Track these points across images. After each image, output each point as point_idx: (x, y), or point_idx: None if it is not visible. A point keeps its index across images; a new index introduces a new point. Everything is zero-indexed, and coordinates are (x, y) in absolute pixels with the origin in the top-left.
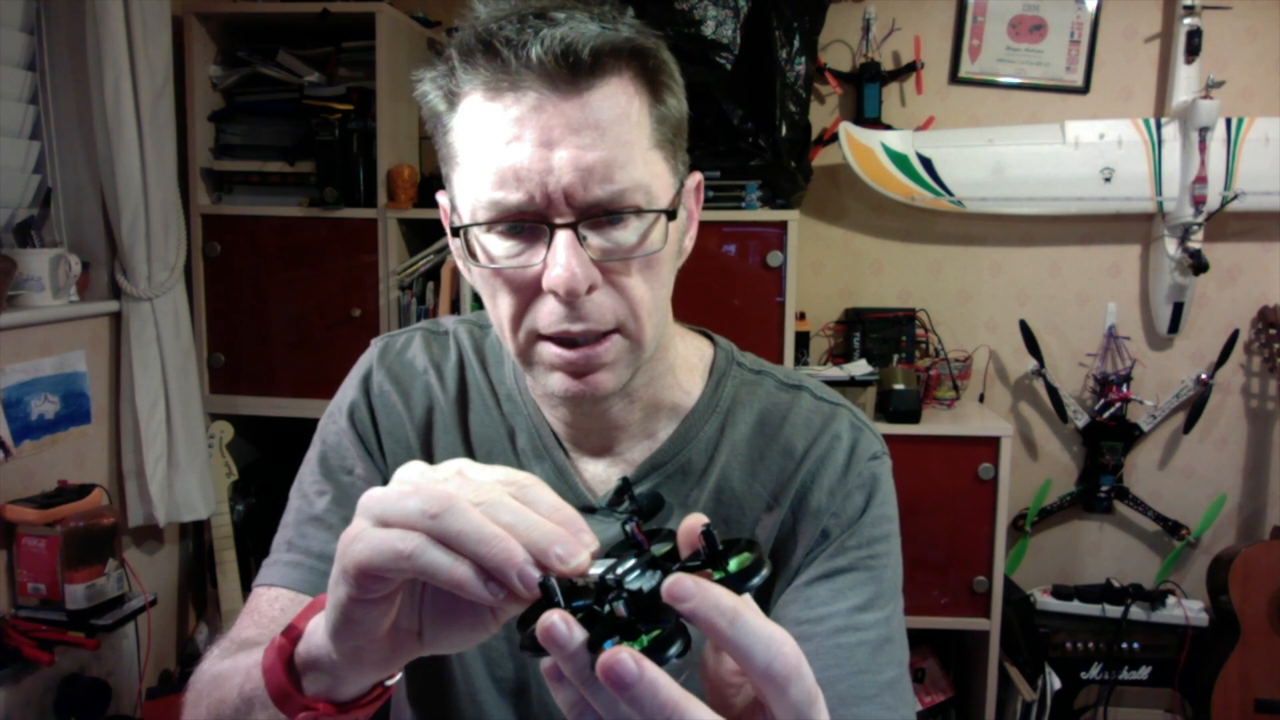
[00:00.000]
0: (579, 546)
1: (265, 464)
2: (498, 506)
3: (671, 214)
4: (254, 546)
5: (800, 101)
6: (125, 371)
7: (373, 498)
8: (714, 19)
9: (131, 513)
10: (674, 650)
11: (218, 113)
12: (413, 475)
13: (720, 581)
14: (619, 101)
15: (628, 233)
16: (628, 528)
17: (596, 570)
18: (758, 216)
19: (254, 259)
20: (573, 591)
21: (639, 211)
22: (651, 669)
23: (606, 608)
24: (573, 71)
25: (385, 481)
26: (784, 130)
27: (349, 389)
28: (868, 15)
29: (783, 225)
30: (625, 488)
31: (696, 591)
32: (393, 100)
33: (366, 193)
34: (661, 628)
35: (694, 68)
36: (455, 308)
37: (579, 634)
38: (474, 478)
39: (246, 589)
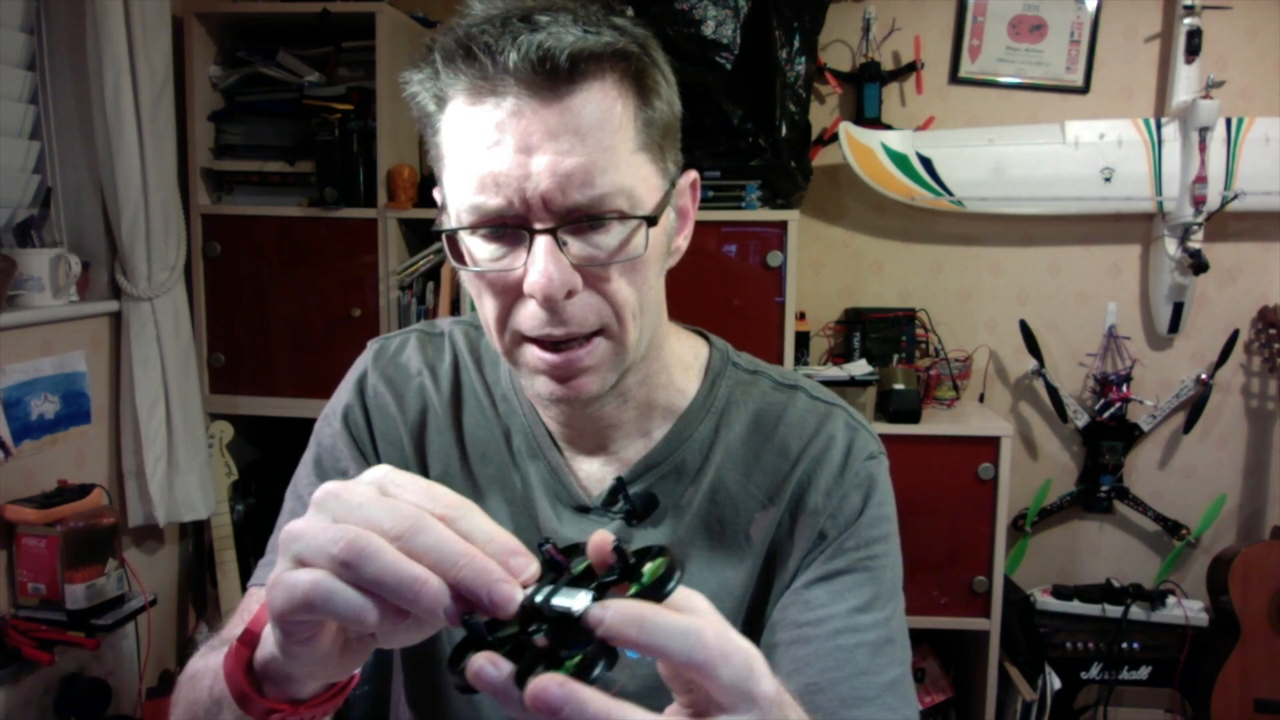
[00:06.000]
0: (513, 591)
1: (265, 464)
2: (419, 535)
3: (652, 220)
4: (254, 546)
5: (800, 101)
6: (125, 371)
7: (290, 535)
8: (714, 19)
9: (131, 513)
10: (598, 670)
11: (218, 113)
12: (328, 497)
13: (638, 594)
14: (600, 106)
15: (609, 237)
16: (544, 548)
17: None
18: (758, 216)
19: (254, 259)
20: (496, 623)
21: (621, 216)
22: (576, 688)
23: (532, 634)
24: (550, 77)
25: None
26: (784, 130)
27: (344, 392)
28: (868, 15)
29: (783, 225)
30: (619, 488)
31: (605, 615)
32: (393, 100)
33: (366, 193)
34: (583, 651)
35: (694, 68)
36: (455, 308)
37: (507, 669)
38: (396, 495)
39: (246, 589)
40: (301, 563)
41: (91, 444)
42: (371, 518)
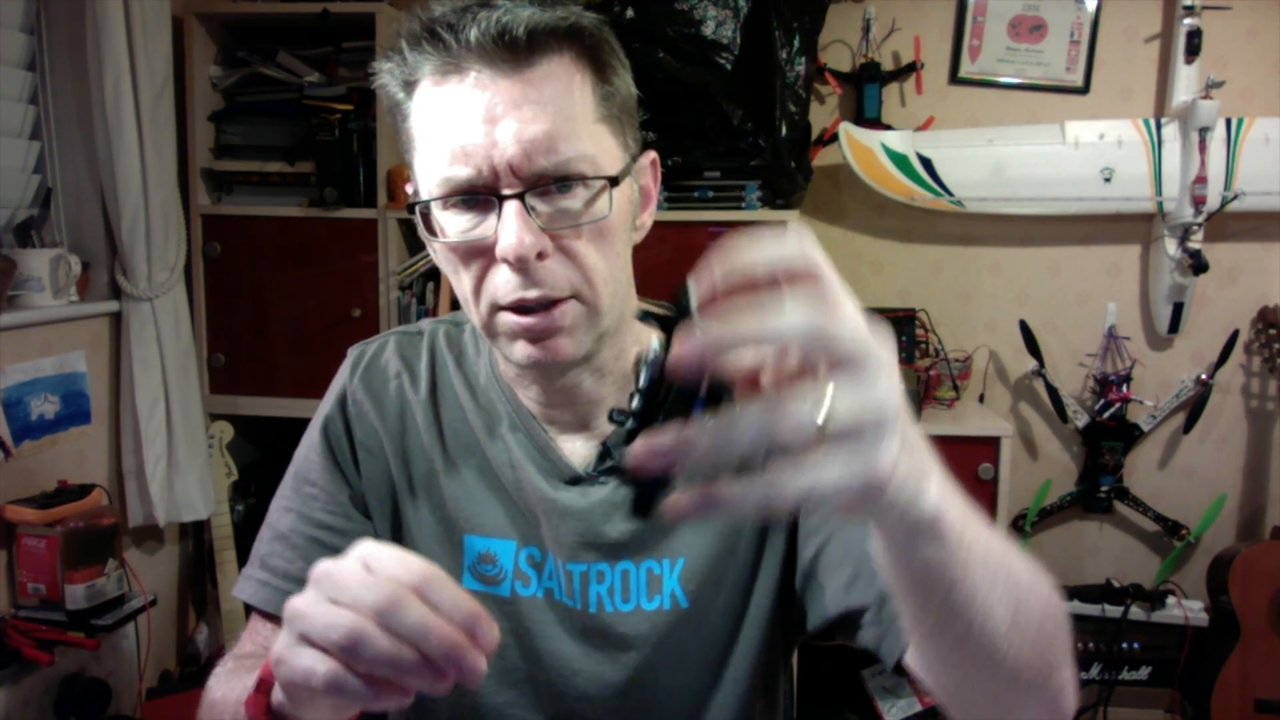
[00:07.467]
0: (478, 662)
1: (265, 464)
2: (398, 614)
3: (615, 181)
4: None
5: (800, 101)
6: (125, 371)
7: (294, 612)
8: (714, 19)
9: (131, 513)
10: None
11: (218, 113)
12: (322, 576)
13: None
14: (560, 78)
15: (574, 200)
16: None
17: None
18: (758, 216)
19: (254, 259)
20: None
21: (585, 179)
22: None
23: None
24: (511, 51)
25: (351, 493)
26: (784, 130)
27: (326, 403)
28: (868, 15)
29: (783, 226)
30: (606, 452)
31: (693, 338)
32: None
33: (366, 193)
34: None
35: (694, 68)
36: (455, 308)
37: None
38: (376, 570)
39: (249, 613)
40: (305, 640)
41: (91, 444)
42: (358, 596)
